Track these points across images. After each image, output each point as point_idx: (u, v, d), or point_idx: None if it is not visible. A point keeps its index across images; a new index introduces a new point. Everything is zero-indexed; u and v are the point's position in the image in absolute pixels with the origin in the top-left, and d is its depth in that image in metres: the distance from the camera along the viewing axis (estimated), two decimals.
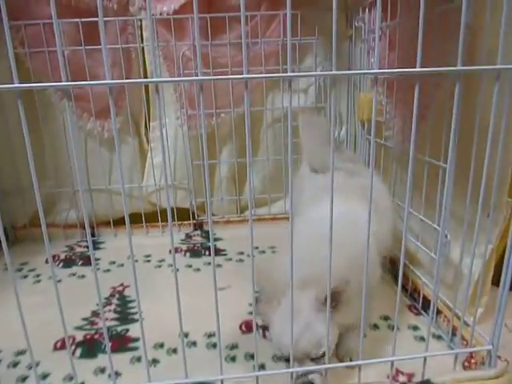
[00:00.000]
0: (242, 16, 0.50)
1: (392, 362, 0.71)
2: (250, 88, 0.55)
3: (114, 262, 1.29)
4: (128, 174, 1.47)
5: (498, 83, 0.58)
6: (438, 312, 0.90)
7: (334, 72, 0.54)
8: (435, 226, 0.91)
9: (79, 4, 1.28)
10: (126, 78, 1.37)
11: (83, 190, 0.58)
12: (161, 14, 1.31)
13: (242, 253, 1.32)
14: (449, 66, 0.89)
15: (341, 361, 0.80)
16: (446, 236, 0.85)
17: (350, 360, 0.78)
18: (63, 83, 0.52)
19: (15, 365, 0.84)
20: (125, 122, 1.42)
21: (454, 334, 0.85)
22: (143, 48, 1.38)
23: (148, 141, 1.50)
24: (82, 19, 1.24)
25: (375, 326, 0.93)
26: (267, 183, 1.53)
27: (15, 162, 1.41)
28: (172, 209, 1.38)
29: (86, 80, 1.31)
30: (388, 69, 1.09)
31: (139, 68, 1.40)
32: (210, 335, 0.91)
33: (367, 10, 1.20)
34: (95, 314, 1.01)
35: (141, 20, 1.35)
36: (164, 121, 1.42)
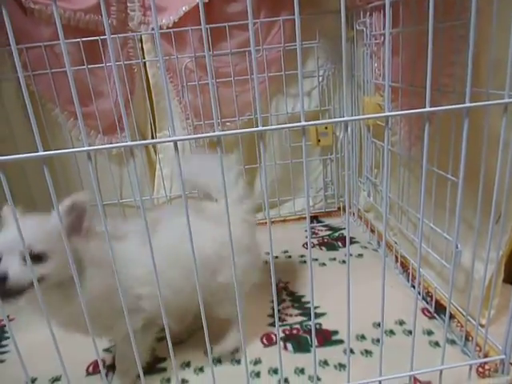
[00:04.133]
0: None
1: (410, 377, 0.75)
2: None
3: None
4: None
5: (505, 115, 0.59)
6: (451, 317, 0.93)
7: (346, 118, 0.55)
8: (446, 235, 0.93)
9: (78, 24, 1.27)
10: (131, 94, 1.38)
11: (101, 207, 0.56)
12: (161, 28, 1.31)
13: None
14: (453, 76, 0.91)
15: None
16: (457, 246, 0.88)
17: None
18: (85, 148, 0.54)
19: None
20: (132, 135, 1.43)
21: (467, 339, 0.88)
22: (145, 63, 1.39)
23: (156, 152, 1.51)
24: (84, 39, 1.24)
25: (391, 332, 0.97)
26: (276, 187, 1.55)
27: (27, 181, 1.44)
28: None
29: (91, 97, 1.32)
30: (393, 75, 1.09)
31: (142, 82, 1.40)
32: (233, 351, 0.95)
33: (368, 13, 1.19)
34: None
35: (141, 34, 1.35)
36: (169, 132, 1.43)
